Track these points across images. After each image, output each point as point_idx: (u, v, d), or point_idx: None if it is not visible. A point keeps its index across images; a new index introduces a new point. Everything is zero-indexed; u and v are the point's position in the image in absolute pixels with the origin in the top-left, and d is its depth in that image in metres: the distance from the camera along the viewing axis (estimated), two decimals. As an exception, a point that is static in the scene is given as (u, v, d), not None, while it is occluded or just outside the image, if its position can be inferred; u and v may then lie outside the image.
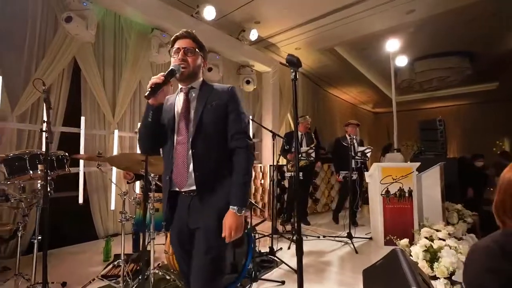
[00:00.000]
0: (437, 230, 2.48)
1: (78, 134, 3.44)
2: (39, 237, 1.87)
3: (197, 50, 1.25)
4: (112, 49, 3.78)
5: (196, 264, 1.12)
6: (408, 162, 4.40)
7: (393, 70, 5.39)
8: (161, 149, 1.28)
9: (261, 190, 5.08)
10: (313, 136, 4.47)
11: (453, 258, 1.99)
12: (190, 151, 1.15)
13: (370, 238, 3.61)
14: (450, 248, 2.08)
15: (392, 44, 5.15)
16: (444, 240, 2.28)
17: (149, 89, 1.07)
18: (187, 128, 1.18)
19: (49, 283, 1.75)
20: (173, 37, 1.27)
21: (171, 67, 1.17)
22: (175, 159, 1.18)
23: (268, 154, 5.73)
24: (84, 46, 3.40)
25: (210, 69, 4.58)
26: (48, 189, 1.88)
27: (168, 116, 1.23)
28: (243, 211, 1.12)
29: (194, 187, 1.14)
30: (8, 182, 1.83)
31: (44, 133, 1.76)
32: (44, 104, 1.86)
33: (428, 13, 4.54)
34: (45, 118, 1.81)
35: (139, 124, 2.92)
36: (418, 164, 3.48)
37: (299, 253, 1.07)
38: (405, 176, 3.44)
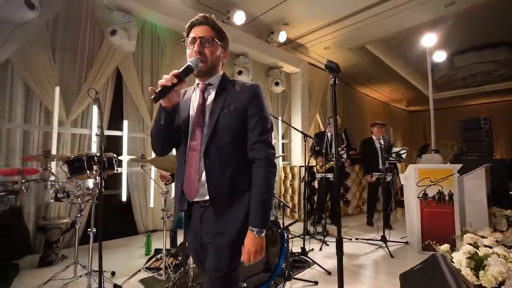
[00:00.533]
0: (483, 237, 2.33)
1: (121, 137, 3.74)
2: (94, 230, 2.08)
3: (215, 39, 1.08)
4: (150, 57, 4.04)
5: (207, 282, 1.03)
6: (448, 163, 4.16)
7: (430, 66, 5.12)
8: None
9: (291, 190, 5.09)
10: (344, 137, 4.39)
11: (502, 268, 1.87)
12: (203, 161, 1.03)
13: (406, 243, 3.48)
14: (499, 257, 1.96)
15: (429, 39, 4.88)
16: (491, 247, 2.14)
17: (157, 91, 0.93)
18: (202, 133, 1.05)
19: (104, 271, 1.94)
20: (188, 24, 1.10)
21: (188, 63, 1.01)
22: (187, 166, 1.06)
23: (298, 154, 5.72)
24: (125, 55, 3.68)
25: (240, 72, 4.70)
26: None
27: (183, 115, 1.10)
28: (263, 233, 1.00)
29: (207, 197, 1.03)
30: (70, 181, 2.06)
31: (97, 137, 1.97)
32: (97, 111, 2.08)
33: (469, 4, 4.25)
34: (96, 123, 2.03)
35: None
36: (459, 165, 3.28)
37: (340, 252, 1.10)
38: (445, 179, 3.26)
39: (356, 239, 3.59)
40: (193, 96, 1.13)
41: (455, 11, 4.43)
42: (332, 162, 3.96)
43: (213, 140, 1.03)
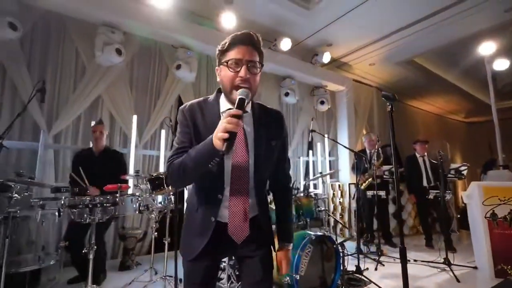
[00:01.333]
0: None
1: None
2: (169, 239, 2.40)
3: (261, 64, 1.01)
4: (206, 85, 4.53)
5: None
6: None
7: (490, 75, 4.80)
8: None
9: (340, 208, 5.03)
10: (380, 152, 4.23)
11: None
12: (254, 199, 1.06)
13: (475, 267, 3.19)
14: None
15: (487, 47, 4.62)
16: None
17: (228, 140, 0.80)
18: (248, 168, 1.01)
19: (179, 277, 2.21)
20: (231, 38, 0.98)
21: (239, 97, 0.89)
22: (230, 204, 1.01)
23: (345, 172, 5.66)
24: (186, 85, 4.20)
25: (287, 94, 4.96)
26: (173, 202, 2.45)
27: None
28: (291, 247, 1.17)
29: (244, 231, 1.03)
30: (149, 196, 2.44)
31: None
32: (165, 134, 2.46)
33: (533, 8, 3.96)
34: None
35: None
36: (533, 183, 2.98)
37: (404, 261, 1.16)
38: (517, 197, 2.98)
39: (415, 260, 3.40)
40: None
41: (516, 17, 4.15)
42: (371, 179, 3.89)
43: (256, 174, 1.04)
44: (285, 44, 4.45)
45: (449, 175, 3.52)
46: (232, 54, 0.98)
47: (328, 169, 5.67)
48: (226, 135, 0.80)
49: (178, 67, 3.77)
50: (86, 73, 3.42)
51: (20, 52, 3.06)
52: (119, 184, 2.22)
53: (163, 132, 3.84)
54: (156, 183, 2.37)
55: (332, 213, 5.22)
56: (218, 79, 1.06)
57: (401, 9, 4.04)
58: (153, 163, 3.92)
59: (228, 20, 3.86)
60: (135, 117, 3.63)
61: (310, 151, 5.58)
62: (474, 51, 5.10)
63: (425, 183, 3.75)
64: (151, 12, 3.53)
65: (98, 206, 2.03)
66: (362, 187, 3.87)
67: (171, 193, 2.60)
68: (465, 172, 3.54)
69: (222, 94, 1.07)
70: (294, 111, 5.55)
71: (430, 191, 3.65)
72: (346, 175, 5.58)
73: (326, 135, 5.58)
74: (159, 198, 2.87)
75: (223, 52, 1.01)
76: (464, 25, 4.41)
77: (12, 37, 2.86)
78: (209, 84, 4.57)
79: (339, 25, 4.38)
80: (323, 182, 5.01)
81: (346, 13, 4.09)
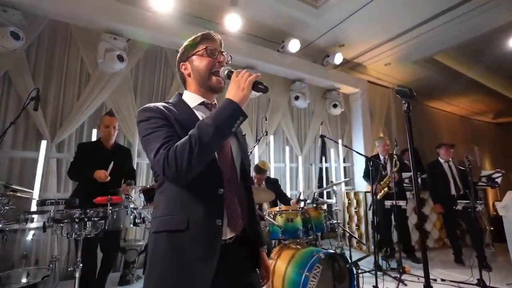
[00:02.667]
0: None
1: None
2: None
3: None
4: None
5: None
6: None
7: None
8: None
9: (356, 218, 4.68)
10: (396, 158, 3.88)
11: None
12: (240, 182, 1.02)
13: (515, 290, 2.77)
14: None
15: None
16: None
17: (259, 83, 0.89)
18: (233, 159, 1.01)
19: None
20: (200, 34, 1.06)
21: (228, 69, 0.97)
22: (226, 195, 0.94)
23: (361, 179, 5.30)
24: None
25: (297, 97, 4.74)
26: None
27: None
28: None
29: (242, 227, 0.99)
30: (146, 208, 2.29)
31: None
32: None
33: None
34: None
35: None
36: None
37: (427, 280, 0.91)
38: None
39: (443, 280, 3.02)
40: (198, 114, 1.00)
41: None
42: (387, 188, 3.57)
43: (242, 164, 1.04)
44: (294, 45, 4.25)
45: (480, 183, 3.13)
46: (207, 44, 1.03)
47: (342, 176, 5.34)
48: (256, 76, 0.90)
49: (182, 72, 3.66)
50: (90, 81, 3.39)
51: (25, 61, 3.06)
52: (109, 197, 2.07)
53: (167, 139, 3.73)
54: (151, 195, 2.22)
55: (348, 223, 4.88)
56: (186, 73, 1.07)
57: (418, 2, 3.74)
58: (149, 173, 3.80)
59: (233, 22, 3.72)
60: (138, 125, 3.54)
61: (323, 158, 5.29)
62: (502, 45, 4.66)
63: (453, 191, 3.36)
64: (155, 17, 3.47)
65: (86, 220, 1.89)
66: (379, 196, 3.54)
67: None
68: (499, 180, 3.14)
69: (186, 94, 1.08)
70: (305, 115, 5.31)
71: (459, 201, 3.27)
72: (363, 183, 5.22)
73: (339, 141, 5.28)
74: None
75: (193, 45, 1.05)
76: (490, 17, 4.03)
77: (16, 47, 2.86)
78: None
79: (351, 23, 4.14)
80: (334, 192, 4.68)
81: (358, 10, 3.85)
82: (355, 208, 4.74)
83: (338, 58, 4.74)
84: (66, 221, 1.83)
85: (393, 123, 6.39)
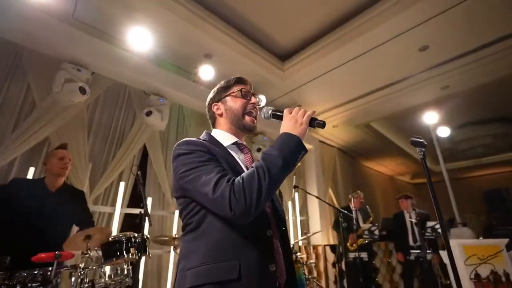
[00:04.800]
0: None
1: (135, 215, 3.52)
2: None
3: None
4: (175, 135, 4.21)
5: None
6: (480, 238, 3.93)
7: (436, 141, 5.41)
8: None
9: (316, 273, 4.57)
10: (369, 211, 4.22)
11: None
12: (282, 229, 0.95)
13: None
14: None
15: (431, 117, 5.31)
16: None
17: (315, 119, 0.92)
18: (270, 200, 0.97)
19: None
20: (235, 77, 1.12)
21: (271, 109, 1.02)
22: (275, 241, 0.88)
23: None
24: (153, 134, 3.83)
25: (259, 149, 4.86)
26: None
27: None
28: None
29: (285, 277, 0.90)
30: (105, 266, 1.82)
31: (142, 216, 1.85)
32: (141, 189, 2.01)
33: (463, 87, 4.79)
34: (131, 201, 1.93)
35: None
36: (506, 240, 3.07)
37: None
38: (494, 256, 3.00)
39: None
40: (238, 157, 1.00)
41: (450, 93, 4.95)
42: (362, 239, 3.71)
43: (276, 207, 1.00)
44: (261, 101, 4.51)
45: (427, 234, 3.49)
46: (240, 86, 1.08)
47: (299, 230, 5.34)
48: (313, 112, 0.92)
49: (149, 113, 3.46)
50: (34, 112, 2.89)
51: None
52: (57, 252, 1.60)
53: (121, 184, 3.26)
54: (112, 249, 1.80)
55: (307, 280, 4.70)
56: (217, 113, 1.08)
57: (361, 79, 4.55)
58: (103, 222, 3.20)
59: (207, 73, 3.83)
60: (90, 166, 3.05)
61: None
62: (420, 120, 5.85)
63: (411, 242, 3.64)
64: (126, 55, 3.35)
65: (18, 286, 1.39)
66: (352, 248, 3.60)
67: (129, 262, 2.01)
68: (439, 230, 3.57)
69: (216, 132, 1.07)
70: (264, 167, 5.40)
71: (411, 251, 3.54)
72: (318, 236, 5.29)
73: (315, 194, 5.40)
74: (108, 270, 2.18)
75: (227, 87, 1.09)
76: (410, 97, 5.10)
77: None
78: (179, 133, 4.28)
79: (309, 88, 4.70)
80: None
81: (316, 78, 4.43)
82: (313, 262, 4.66)
83: (296, 116, 5.18)
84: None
85: (339, 179, 6.97)
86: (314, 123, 0.91)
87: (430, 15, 3.16)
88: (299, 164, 3.39)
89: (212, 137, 1.03)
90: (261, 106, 1.12)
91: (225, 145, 1.00)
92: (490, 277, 2.92)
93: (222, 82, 1.13)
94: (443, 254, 3.41)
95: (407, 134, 6.80)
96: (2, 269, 1.52)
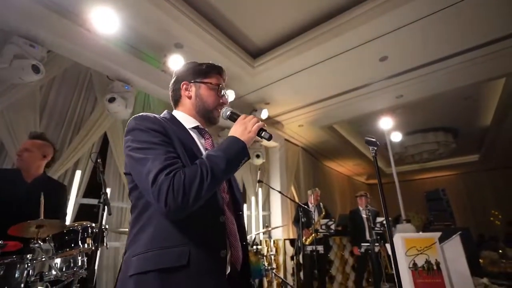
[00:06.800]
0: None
1: (93, 206, 3.35)
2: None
3: None
4: (139, 125, 4.05)
5: None
6: (420, 232, 4.41)
7: (389, 144, 5.90)
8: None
9: (275, 266, 4.74)
10: (322, 207, 4.48)
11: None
12: (238, 213, 0.98)
13: (405, 321, 3.30)
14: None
15: (386, 122, 5.78)
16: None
17: (263, 131, 0.94)
18: (224, 183, 0.97)
19: None
20: (211, 64, 1.10)
21: (230, 111, 1.03)
22: (228, 226, 0.88)
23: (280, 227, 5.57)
24: (115, 122, 3.64)
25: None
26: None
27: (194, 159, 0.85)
28: None
29: (241, 260, 0.91)
30: (56, 258, 1.71)
31: (100, 205, 1.78)
32: (101, 177, 1.93)
33: (415, 97, 5.30)
34: (101, 190, 1.85)
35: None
36: (439, 233, 3.50)
37: None
38: (429, 247, 3.41)
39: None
40: (196, 139, 0.98)
41: (404, 102, 5.45)
42: (315, 234, 3.95)
43: (233, 191, 1.00)
44: (229, 95, 4.53)
45: (376, 228, 3.84)
46: (216, 80, 1.08)
47: (261, 224, 5.49)
48: (263, 124, 0.94)
49: (112, 100, 3.28)
50: (-26, 89, 2.58)
51: None
52: (1, 242, 1.48)
53: (78, 173, 3.06)
54: (66, 240, 1.71)
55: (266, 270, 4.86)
56: (185, 94, 1.05)
57: (325, 83, 4.80)
58: None
59: (176, 63, 3.74)
60: (40, 151, 2.80)
61: (245, 205, 5.38)
62: (376, 124, 6.34)
63: (367, 236, 3.96)
64: (90, 36, 3.12)
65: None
66: (307, 242, 3.80)
67: (85, 253, 1.92)
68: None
69: (178, 113, 1.05)
70: (230, 162, 5.44)
71: (362, 244, 3.86)
72: (279, 231, 5.49)
73: (278, 189, 5.55)
74: (58, 262, 2.05)
75: (205, 72, 1.07)
76: (367, 103, 5.52)
77: None
78: (143, 124, 4.11)
79: (278, 86, 4.83)
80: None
81: (285, 78, 4.57)
82: (274, 256, 4.84)
83: (264, 114, 5.29)
84: None
85: (301, 177, 7.27)
86: (261, 133, 0.94)
87: (392, 27, 3.45)
88: (263, 160, 3.50)
89: (174, 117, 1.01)
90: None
91: (187, 127, 0.99)
92: (424, 265, 3.33)
93: (199, 63, 1.09)
94: (388, 246, 3.79)
95: (364, 137, 7.32)
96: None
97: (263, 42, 4.06)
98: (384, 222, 3.92)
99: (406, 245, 3.42)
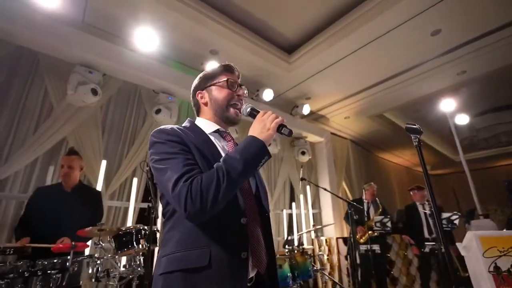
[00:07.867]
0: None
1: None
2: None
3: None
4: (185, 132, 4.32)
5: None
6: (504, 230, 3.74)
7: (454, 129, 5.19)
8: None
9: (329, 267, 4.56)
10: (379, 203, 4.14)
11: None
12: (263, 215, 0.96)
13: (488, 332, 2.83)
14: None
15: (448, 104, 5.10)
16: None
17: (282, 126, 0.91)
18: (250, 185, 0.97)
19: None
20: (220, 65, 1.10)
21: (250, 107, 1.00)
22: (251, 229, 0.87)
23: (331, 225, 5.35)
24: (164, 131, 3.94)
25: (269, 144, 4.87)
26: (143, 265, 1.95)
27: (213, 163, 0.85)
28: None
29: (266, 264, 0.90)
30: (116, 257, 1.93)
31: (150, 209, 1.94)
32: (150, 183, 2.10)
33: (480, 72, 4.55)
34: (145, 196, 2.01)
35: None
36: (527, 231, 2.92)
37: None
38: (514, 247, 2.87)
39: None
40: (216, 144, 0.98)
41: (468, 78, 4.71)
42: (370, 232, 3.66)
43: (259, 193, 0.99)
44: (268, 94, 4.53)
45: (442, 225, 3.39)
46: (225, 77, 1.06)
47: (311, 222, 5.34)
48: (282, 120, 0.90)
49: (158, 111, 3.57)
50: (52, 114, 3.06)
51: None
52: (73, 243, 1.72)
53: (135, 180, 3.40)
54: (123, 241, 1.90)
55: (315, 271, 4.71)
56: (202, 101, 1.07)
57: (370, 69, 4.43)
58: (119, 216, 3.36)
59: (213, 69, 3.88)
60: (103, 163, 3.19)
61: (293, 203, 5.30)
62: (436, 107, 5.62)
63: (426, 234, 3.56)
64: (134, 56, 3.45)
65: (39, 274, 1.51)
66: (362, 240, 3.57)
67: (141, 253, 2.12)
68: (457, 222, 3.44)
69: (199, 120, 1.07)
70: (275, 162, 5.42)
71: (426, 243, 3.45)
72: (331, 229, 5.26)
73: (328, 186, 5.39)
74: (123, 260, 2.32)
75: (213, 75, 1.07)
76: (424, 85, 4.91)
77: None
78: (189, 131, 4.37)
79: (318, 79, 4.63)
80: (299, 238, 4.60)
81: (324, 69, 4.36)
82: (327, 256, 4.66)
83: (306, 109, 5.14)
84: (11, 275, 1.43)
85: (352, 171, 6.85)
86: (281, 129, 0.91)
87: (442, -5, 3.02)
88: (309, 157, 3.41)
89: (195, 124, 1.04)
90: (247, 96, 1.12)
91: (207, 132, 1.00)
92: (510, 269, 2.80)
93: (208, 69, 1.11)
94: (460, 246, 3.30)
95: (423, 124, 6.53)
96: (25, 257, 1.68)
97: (296, 36, 3.94)
98: (452, 217, 3.46)
99: (482, 245, 2.93)
